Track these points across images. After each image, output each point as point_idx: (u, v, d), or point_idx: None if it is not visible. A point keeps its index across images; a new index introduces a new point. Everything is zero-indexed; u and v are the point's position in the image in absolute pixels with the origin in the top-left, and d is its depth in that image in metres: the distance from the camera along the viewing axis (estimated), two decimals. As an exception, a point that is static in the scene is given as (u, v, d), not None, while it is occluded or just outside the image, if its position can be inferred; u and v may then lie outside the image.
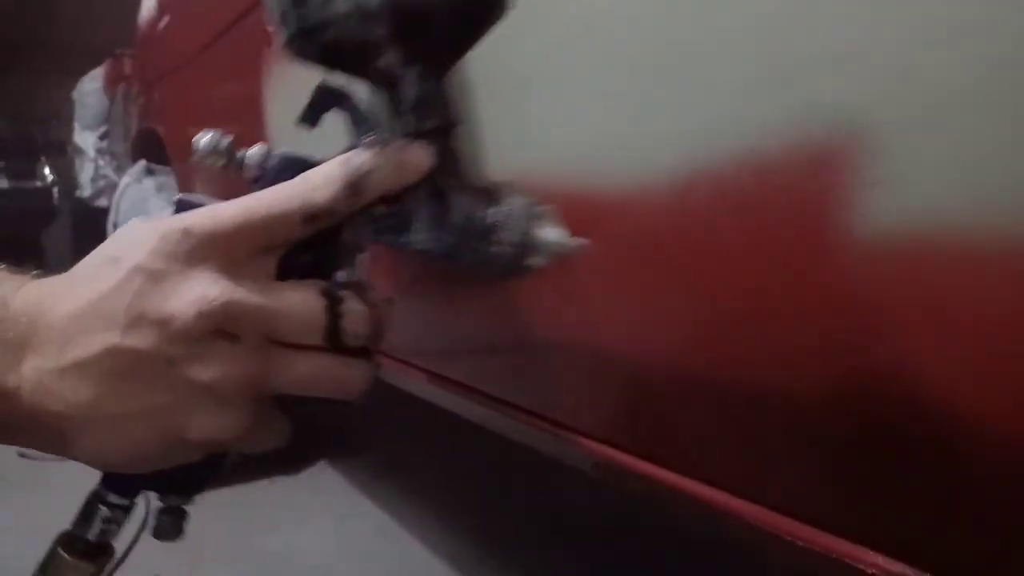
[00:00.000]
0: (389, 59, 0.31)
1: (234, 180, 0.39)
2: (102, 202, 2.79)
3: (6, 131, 6.81)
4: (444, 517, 1.56)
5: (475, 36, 0.33)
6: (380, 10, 0.30)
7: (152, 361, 0.31)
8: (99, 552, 0.35)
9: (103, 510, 0.36)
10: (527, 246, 0.33)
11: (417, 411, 1.33)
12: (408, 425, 1.99)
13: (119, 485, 0.36)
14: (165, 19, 1.66)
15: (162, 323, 0.30)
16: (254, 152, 0.38)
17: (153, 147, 1.75)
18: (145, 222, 0.33)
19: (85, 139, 2.97)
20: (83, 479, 0.37)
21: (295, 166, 0.34)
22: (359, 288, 0.34)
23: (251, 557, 1.42)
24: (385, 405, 2.06)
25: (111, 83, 2.59)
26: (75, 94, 3.12)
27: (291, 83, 0.94)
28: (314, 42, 0.31)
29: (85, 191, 2.99)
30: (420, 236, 0.34)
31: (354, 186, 0.32)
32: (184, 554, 1.41)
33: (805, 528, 0.42)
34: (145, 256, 0.31)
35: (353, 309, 0.33)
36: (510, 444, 0.75)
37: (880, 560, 0.39)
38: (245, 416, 0.33)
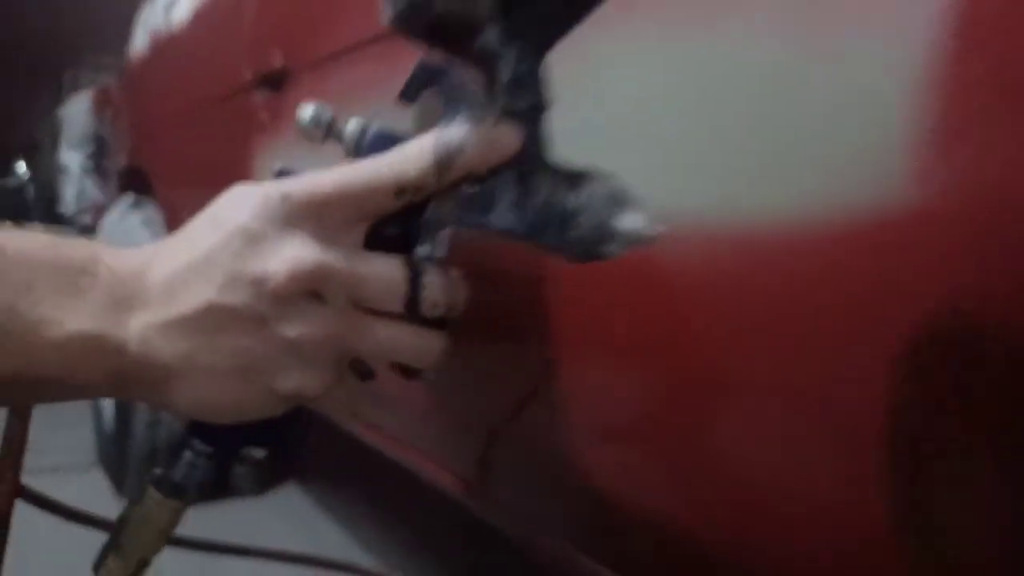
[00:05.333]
0: (489, 37, 0.33)
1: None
2: (84, 219, 2.84)
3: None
4: (410, 541, 1.59)
5: (577, 17, 0.33)
6: None
7: (245, 318, 0.34)
8: (182, 492, 0.40)
9: (188, 455, 0.39)
10: (605, 233, 0.33)
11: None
12: (376, 449, 2.04)
13: (205, 433, 0.39)
14: (157, 61, 1.69)
15: (257, 282, 0.34)
16: (352, 127, 0.40)
17: (139, 184, 1.80)
18: (248, 187, 0.36)
19: (71, 158, 3.02)
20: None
21: (389, 141, 0.37)
22: (440, 262, 0.37)
23: (217, 581, 1.45)
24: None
25: (99, 109, 2.65)
26: (62, 113, 3.18)
27: (281, 160, 0.99)
28: (420, 18, 0.32)
29: (68, 208, 3.03)
30: (501, 217, 0.35)
31: (443, 162, 0.34)
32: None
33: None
34: (245, 218, 0.34)
35: (433, 281, 0.36)
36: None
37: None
38: (326, 374, 0.36)
